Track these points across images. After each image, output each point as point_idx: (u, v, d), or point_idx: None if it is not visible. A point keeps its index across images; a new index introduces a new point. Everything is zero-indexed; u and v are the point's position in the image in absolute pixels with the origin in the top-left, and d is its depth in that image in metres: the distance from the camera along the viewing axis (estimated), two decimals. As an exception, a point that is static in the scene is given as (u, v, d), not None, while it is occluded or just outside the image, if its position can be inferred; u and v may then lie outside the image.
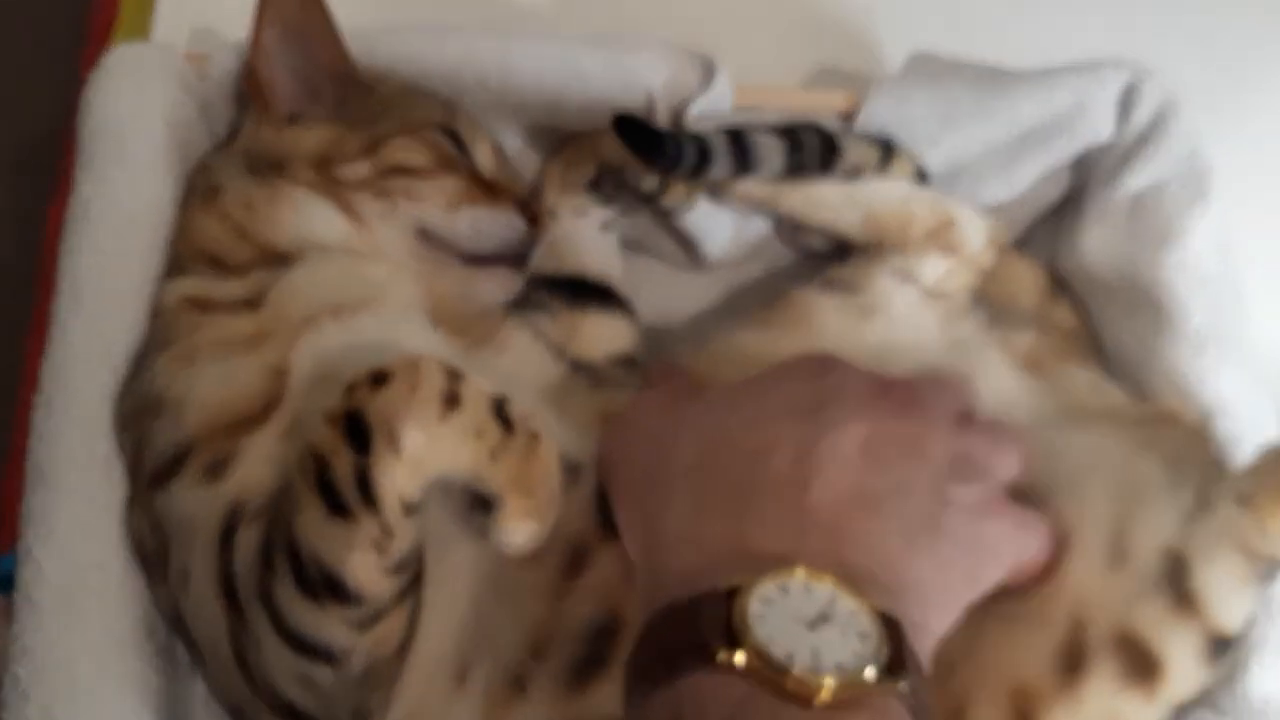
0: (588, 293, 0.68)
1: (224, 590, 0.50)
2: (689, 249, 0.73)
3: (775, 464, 0.49)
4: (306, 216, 0.60)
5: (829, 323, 0.66)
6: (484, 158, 0.66)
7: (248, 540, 0.49)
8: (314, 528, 0.46)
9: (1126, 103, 0.67)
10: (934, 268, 0.68)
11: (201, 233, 0.61)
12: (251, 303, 0.57)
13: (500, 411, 0.49)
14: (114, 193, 0.60)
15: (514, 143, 0.71)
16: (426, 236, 0.61)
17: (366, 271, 0.59)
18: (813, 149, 0.67)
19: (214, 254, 0.60)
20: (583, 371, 0.65)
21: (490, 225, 0.61)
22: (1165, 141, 0.66)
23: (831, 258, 0.72)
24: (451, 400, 0.47)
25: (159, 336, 0.58)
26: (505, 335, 0.63)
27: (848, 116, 0.69)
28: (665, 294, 0.74)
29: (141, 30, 0.78)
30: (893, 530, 0.48)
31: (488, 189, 0.63)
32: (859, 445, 0.49)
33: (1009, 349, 0.66)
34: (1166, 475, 0.56)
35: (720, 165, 0.65)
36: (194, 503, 0.52)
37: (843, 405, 0.51)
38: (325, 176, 0.61)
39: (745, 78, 0.69)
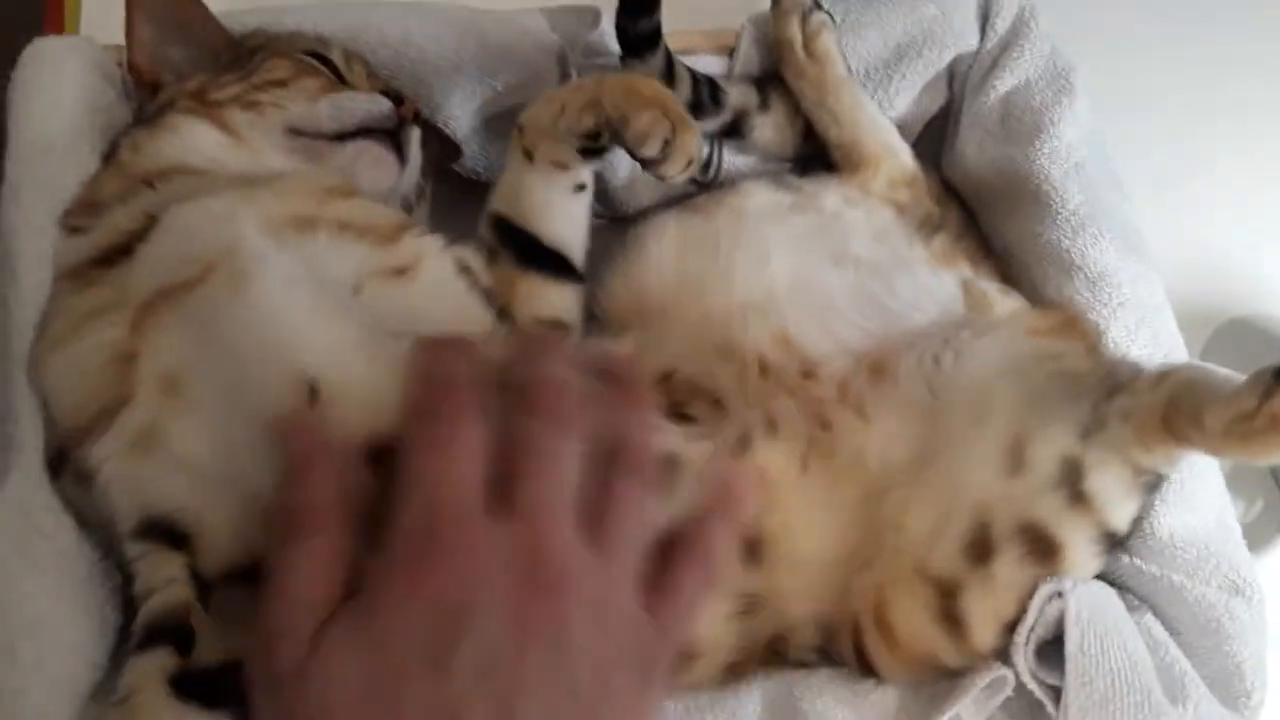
0: (539, 256, 0.65)
1: None
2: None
3: None
4: (182, 136, 0.63)
5: (759, 205, 0.70)
6: (358, 78, 0.69)
7: None
8: None
9: (987, 11, 0.73)
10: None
11: (88, 187, 0.63)
12: (106, 259, 0.57)
13: None
14: (43, 175, 0.63)
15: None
16: (295, 133, 0.64)
17: (220, 208, 0.56)
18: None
19: (92, 200, 0.62)
20: (506, 324, 0.63)
21: (349, 103, 0.65)
22: (1026, 44, 0.72)
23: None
24: None
25: (44, 315, 0.59)
26: (420, 260, 0.60)
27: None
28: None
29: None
30: None
31: (351, 87, 0.67)
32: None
33: (928, 247, 0.70)
34: (1066, 391, 0.61)
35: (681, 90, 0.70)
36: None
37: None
38: (200, 101, 0.65)
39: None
